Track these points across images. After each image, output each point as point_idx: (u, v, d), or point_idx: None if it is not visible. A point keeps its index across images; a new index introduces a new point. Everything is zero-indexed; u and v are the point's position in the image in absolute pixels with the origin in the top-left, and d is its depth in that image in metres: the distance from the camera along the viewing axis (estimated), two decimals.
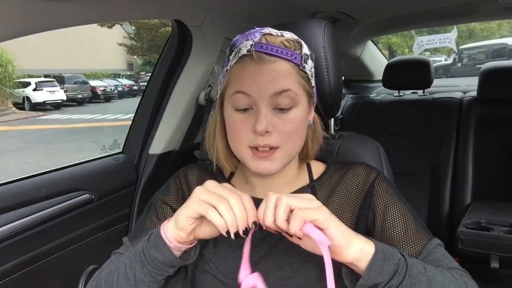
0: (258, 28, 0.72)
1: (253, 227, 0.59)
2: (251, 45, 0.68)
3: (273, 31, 0.71)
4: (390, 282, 0.57)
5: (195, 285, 0.76)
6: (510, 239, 1.37)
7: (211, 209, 0.58)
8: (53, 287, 1.04)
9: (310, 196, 0.60)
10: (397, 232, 0.70)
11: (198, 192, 0.60)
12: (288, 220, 0.57)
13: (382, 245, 0.60)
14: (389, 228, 0.70)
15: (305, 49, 0.72)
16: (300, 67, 0.70)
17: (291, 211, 0.57)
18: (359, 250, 0.58)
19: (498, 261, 1.36)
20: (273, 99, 0.67)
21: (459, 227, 1.49)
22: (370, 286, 0.58)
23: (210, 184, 0.61)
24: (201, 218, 0.62)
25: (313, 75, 0.74)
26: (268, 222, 0.57)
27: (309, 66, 0.72)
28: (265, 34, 0.70)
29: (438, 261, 0.67)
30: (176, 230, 0.62)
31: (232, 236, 0.58)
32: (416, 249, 0.69)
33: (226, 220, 0.57)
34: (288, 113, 0.68)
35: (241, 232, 0.58)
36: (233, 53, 0.71)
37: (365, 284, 0.58)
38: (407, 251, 0.68)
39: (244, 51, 0.68)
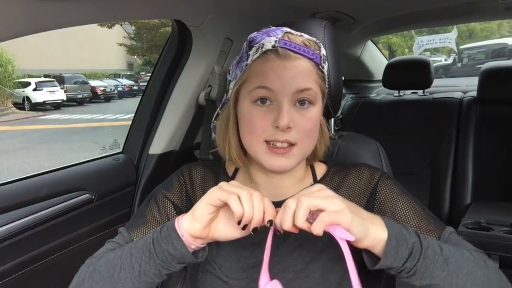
0: (275, 27, 0.73)
1: (269, 225, 0.60)
2: (275, 41, 0.68)
3: (293, 30, 0.72)
4: (404, 265, 0.58)
5: (197, 286, 0.76)
6: (510, 239, 1.37)
7: (234, 196, 0.60)
8: (53, 287, 1.04)
9: (329, 193, 0.60)
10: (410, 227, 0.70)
11: (222, 185, 0.62)
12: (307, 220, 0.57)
13: (396, 229, 0.60)
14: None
15: (323, 50, 0.73)
16: (320, 66, 0.71)
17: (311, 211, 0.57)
18: (373, 238, 0.59)
19: (498, 261, 1.36)
20: (294, 96, 0.67)
21: (459, 227, 1.49)
22: (386, 268, 0.60)
23: (235, 182, 0.64)
24: (220, 208, 0.63)
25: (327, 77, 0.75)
26: (286, 226, 0.58)
27: (326, 67, 0.74)
28: (287, 32, 0.71)
29: (455, 246, 0.67)
30: (192, 221, 0.63)
31: (242, 225, 0.60)
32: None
33: (245, 209, 0.59)
34: (308, 110, 0.69)
35: (250, 228, 0.60)
36: (254, 48, 0.70)
37: (381, 268, 0.60)
38: None
39: (268, 46, 0.68)
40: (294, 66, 0.67)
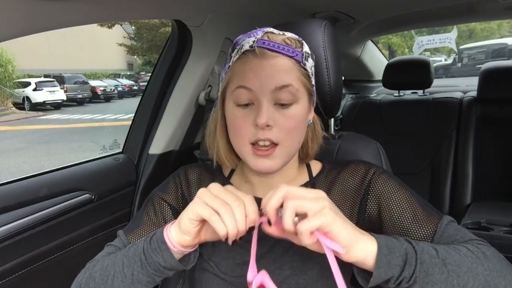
0: (258, 29, 0.73)
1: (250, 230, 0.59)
2: (254, 41, 0.69)
3: (275, 30, 0.73)
4: (402, 274, 0.56)
5: (194, 285, 0.77)
6: (510, 239, 1.37)
7: (215, 215, 0.58)
8: (53, 287, 1.05)
9: (312, 194, 0.58)
10: (407, 219, 0.69)
11: (202, 195, 0.60)
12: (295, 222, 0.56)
13: (385, 238, 0.58)
14: (398, 217, 0.70)
15: (306, 48, 0.73)
16: (301, 64, 0.70)
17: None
18: (363, 249, 0.56)
19: None
20: (274, 94, 0.67)
21: None
22: (383, 281, 0.57)
23: (215, 188, 0.61)
24: (204, 220, 0.62)
25: (313, 75, 0.75)
26: (267, 210, 0.58)
27: (310, 64, 0.73)
28: (267, 32, 0.71)
29: (453, 236, 0.66)
30: (181, 234, 0.63)
31: (230, 242, 0.59)
32: (429, 230, 0.67)
33: (228, 228, 0.57)
34: (289, 108, 0.69)
35: (237, 238, 0.59)
36: (235, 50, 0.72)
37: (377, 282, 0.57)
38: (420, 235, 0.67)
39: (246, 46, 0.69)
40: (272, 64, 0.68)
